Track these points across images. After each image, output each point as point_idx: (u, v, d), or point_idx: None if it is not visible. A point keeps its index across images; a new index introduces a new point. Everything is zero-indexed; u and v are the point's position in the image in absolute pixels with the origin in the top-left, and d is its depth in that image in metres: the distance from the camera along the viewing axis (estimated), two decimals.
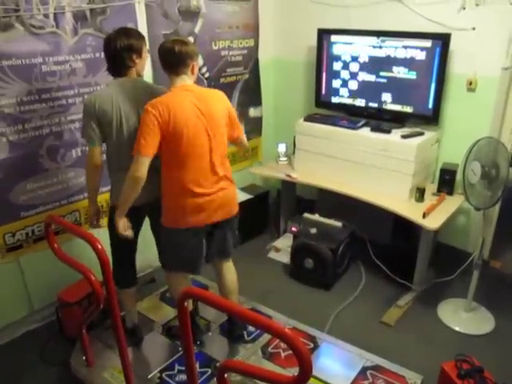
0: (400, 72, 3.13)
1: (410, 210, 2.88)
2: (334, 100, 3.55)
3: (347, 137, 3.20)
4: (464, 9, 2.88)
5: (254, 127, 3.99)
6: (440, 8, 2.96)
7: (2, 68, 2.35)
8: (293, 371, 2.20)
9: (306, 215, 3.48)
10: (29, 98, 2.48)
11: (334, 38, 3.40)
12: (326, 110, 3.62)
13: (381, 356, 2.47)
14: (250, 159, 4.05)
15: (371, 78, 3.28)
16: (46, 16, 2.45)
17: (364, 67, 3.30)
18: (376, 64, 3.23)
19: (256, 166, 3.97)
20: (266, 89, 3.98)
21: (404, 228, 3.23)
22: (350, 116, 3.43)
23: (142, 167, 2.04)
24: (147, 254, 2.62)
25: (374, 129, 3.15)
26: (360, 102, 3.41)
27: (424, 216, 2.77)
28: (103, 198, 2.86)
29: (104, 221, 2.72)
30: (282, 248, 3.60)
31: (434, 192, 3.10)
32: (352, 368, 2.41)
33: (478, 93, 2.98)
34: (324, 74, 3.54)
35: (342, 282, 3.26)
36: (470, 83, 2.97)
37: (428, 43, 2.96)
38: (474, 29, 2.87)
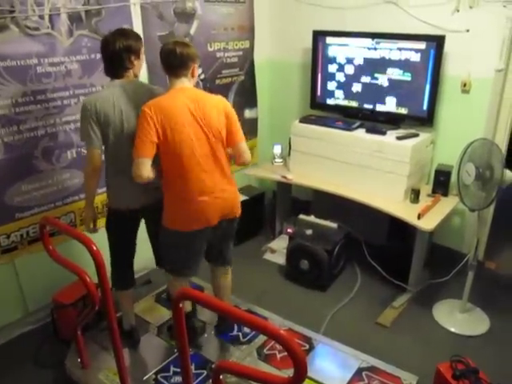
0: (395, 74, 3.15)
1: (405, 211, 2.89)
2: (330, 101, 3.56)
3: (342, 138, 3.21)
4: (458, 11, 2.90)
5: (250, 128, 3.99)
6: (434, 10, 2.98)
7: None
8: (288, 373, 2.20)
9: (302, 216, 3.48)
10: (24, 100, 2.47)
11: (329, 39, 3.41)
12: (321, 111, 3.62)
13: (376, 357, 2.48)
14: None
15: (366, 79, 3.29)
16: (41, 17, 2.45)
17: (359, 69, 3.31)
18: (371, 66, 3.24)
19: (251, 168, 3.97)
20: (261, 90, 3.99)
21: (399, 229, 3.24)
22: (345, 117, 3.44)
23: (142, 167, 2.05)
24: (143, 255, 2.61)
25: (369, 130, 3.16)
26: (355, 104, 3.42)
27: (419, 217, 2.78)
28: (98, 199, 2.86)
29: (101, 221, 2.72)
30: (277, 249, 3.61)
31: (428, 193, 3.11)
32: (347, 369, 2.42)
33: (472, 94, 3.00)
34: (319, 76, 3.55)
35: (338, 283, 3.26)
36: (465, 85, 2.98)
37: (422, 45, 2.97)
38: (467, 31, 2.89)
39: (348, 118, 3.42)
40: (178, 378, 2.35)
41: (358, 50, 3.27)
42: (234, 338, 2.65)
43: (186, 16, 3.19)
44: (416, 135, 3.07)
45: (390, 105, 3.24)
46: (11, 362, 2.57)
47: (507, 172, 2.51)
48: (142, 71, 2.90)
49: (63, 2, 2.51)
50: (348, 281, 3.28)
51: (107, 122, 2.16)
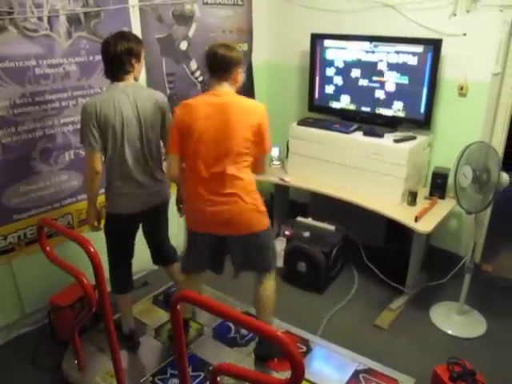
0: (392, 77, 3.16)
1: (403, 214, 2.90)
2: (327, 104, 3.57)
3: (340, 141, 3.22)
4: (455, 15, 2.92)
5: None
6: (432, 14, 2.99)
7: None
8: (286, 375, 2.20)
9: (299, 219, 3.48)
10: (22, 101, 2.47)
11: (326, 42, 3.42)
12: (319, 114, 3.63)
13: (373, 359, 2.48)
14: None
15: (364, 82, 3.31)
16: (40, 19, 2.45)
17: (357, 72, 3.32)
18: (369, 69, 3.26)
19: None
20: (259, 93, 3.99)
21: (396, 231, 3.24)
22: (343, 120, 3.45)
23: (172, 163, 2.18)
24: (140, 257, 2.61)
25: (367, 133, 3.17)
26: (353, 107, 3.44)
27: (416, 220, 2.79)
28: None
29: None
30: None
31: (426, 196, 3.12)
32: (345, 371, 2.42)
33: (469, 98, 3.01)
34: (317, 79, 3.56)
35: (335, 285, 3.27)
36: (461, 88, 3.00)
37: (420, 48, 2.99)
38: (464, 35, 2.91)
39: (346, 120, 3.43)
40: (175, 381, 2.34)
41: (356, 53, 3.28)
42: (232, 340, 2.65)
43: (185, 18, 3.20)
44: (413, 138, 3.09)
45: (387, 108, 3.25)
46: (8, 364, 2.56)
47: (504, 175, 2.52)
48: (140, 75, 2.92)
49: (62, 3, 2.51)
50: (345, 283, 3.29)
51: (107, 125, 2.16)
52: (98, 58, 2.71)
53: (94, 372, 2.41)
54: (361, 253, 3.33)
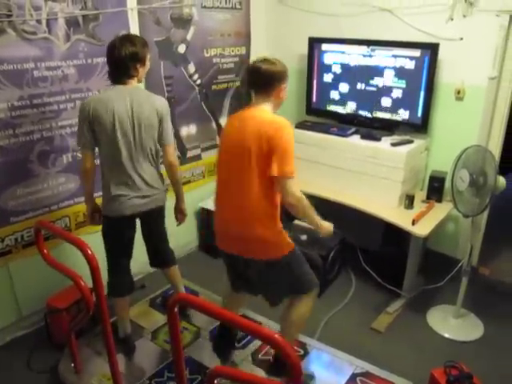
0: (390, 81, 3.17)
1: (400, 217, 2.90)
2: (325, 107, 3.58)
3: (337, 144, 3.23)
4: (452, 19, 2.93)
5: None
6: (429, 18, 3.01)
7: None
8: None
9: (297, 222, 3.48)
10: (20, 103, 2.47)
11: (324, 46, 3.44)
12: (316, 117, 3.64)
13: (371, 362, 2.49)
14: None
15: (361, 86, 3.32)
16: (39, 22, 2.45)
17: (354, 76, 3.34)
18: (366, 73, 3.27)
19: None
20: None
21: (394, 235, 3.25)
22: (341, 123, 3.46)
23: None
24: (137, 260, 2.61)
25: (364, 136, 3.18)
26: (350, 110, 3.45)
27: (413, 223, 2.80)
28: None
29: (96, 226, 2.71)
30: None
31: (423, 199, 3.13)
32: (342, 374, 2.42)
33: (465, 102, 3.03)
34: (315, 82, 3.57)
35: (332, 288, 3.27)
36: (458, 92, 3.01)
37: (417, 53, 3.00)
38: (461, 39, 2.92)
39: (343, 124, 3.44)
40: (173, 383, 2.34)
41: (354, 57, 3.30)
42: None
43: (183, 22, 3.21)
44: (410, 142, 3.10)
45: (384, 111, 3.27)
46: (4, 367, 2.55)
47: (500, 178, 2.53)
48: None
49: (61, 6, 2.51)
50: (342, 286, 3.29)
51: (99, 124, 2.17)
52: (97, 60, 2.74)
53: (91, 375, 2.40)
54: (358, 256, 3.33)
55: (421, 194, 3.20)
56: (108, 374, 2.17)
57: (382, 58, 3.16)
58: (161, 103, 2.29)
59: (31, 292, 2.77)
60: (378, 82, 3.23)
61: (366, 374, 2.42)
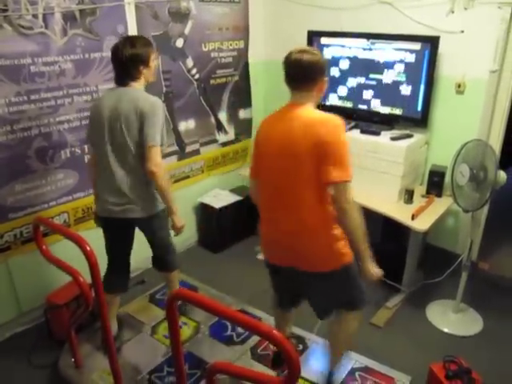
0: (390, 74, 3.15)
1: (399, 212, 2.89)
2: (324, 102, 3.56)
3: None
4: (453, 12, 2.91)
5: (244, 129, 3.99)
6: (429, 11, 2.99)
7: None
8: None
9: None
10: (17, 99, 2.46)
11: (323, 40, 3.41)
12: None
13: (370, 357, 2.49)
14: (240, 161, 4.05)
15: (361, 80, 3.30)
16: (35, 16, 2.43)
17: (354, 69, 3.32)
18: (366, 66, 3.25)
19: (245, 168, 3.96)
20: (255, 90, 3.99)
21: (393, 230, 3.23)
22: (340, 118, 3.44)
23: (251, 187, 2.07)
24: (137, 255, 2.60)
25: (364, 131, 3.17)
26: (350, 104, 3.43)
27: (413, 218, 2.79)
28: (82, 202, 2.86)
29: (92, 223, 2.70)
30: None
31: (422, 194, 3.12)
32: (341, 369, 2.42)
33: (466, 95, 3.01)
34: None
35: None
36: (459, 86, 2.99)
37: (417, 46, 2.98)
38: (462, 32, 2.90)
39: (343, 118, 3.41)
40: (172, 378, 2.35)
41: (353, 51, 3.28)
42: (228, 338, 2.66)
43: (181, 16, 3.19)
44: (410, 136, 3.08)
45: (384, 105, 3.25)
46: (5, 362, 2.56)
47: (501, 173, 2.52)
48: None
49: (57, 1, 2.49)
50: None
51: (91, 125, 2.27)
52: (94, 55, 2.72)
53: (91, 370, 2.41)
54: None
55: (420, 189, 3.18)
56: (108, 369, 2.17)
57: (382, 51, 3.14)
58: (144, 103, 2.11)
59: (31, 288, 2.78)
60: (377, 75, 3.21)
61: (365, 369, 2.43)
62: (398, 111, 3.20)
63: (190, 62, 3.34)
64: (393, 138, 3.03)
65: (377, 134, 3.11)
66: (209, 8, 3.36)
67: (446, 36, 2.91)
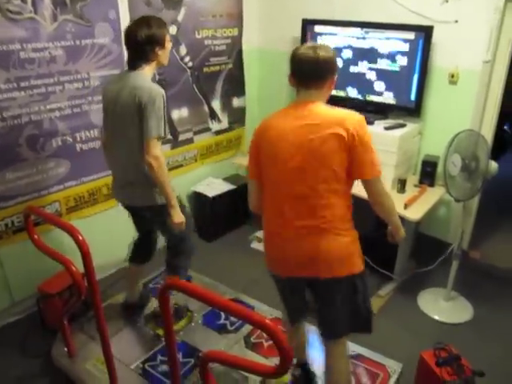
0: (383, 64, 3.14)
1: None
2: None
3: None
4: (447, 2, 2.89)
5: (238, 117, 3.97)
6: (423, 0, 2.97)
7: None
8: (275, 361, 2.22)
9: None
10: (7, 86, 2.42)
11: (317, 28, 3.39)
12: None
13: (362, 345, 2.51)
14: (233, 149, 4.03)
15: (354, 69, 3.29)
16: (24, 1, 2.38)
17: (347, 58, 3.30)
18: (359, 55, 3.23)
19: (239, 157, 3.96)
20: (249, 79, 3.96)
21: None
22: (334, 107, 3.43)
23: (250, 193, 1.93)
24: (126, 246, 2.60)
25: None
26: (343, 94, 3.42)
27: (405, 207, 2.80)
28: (84, 188, 2.84)
29: (91, 209, 2.69)
30: None
31: (415, 183, 3.13)
32: None
33: (459, 86, 3.01)
34: None
35: None
36: (452, 76, 2.99)
37: (411, 35, 2.97)
38: (456, 22, 2.89)
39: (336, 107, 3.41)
40: (166, 367, 2.35)
41: (347, 40, 3.26)
42: (222, 327, 2.67)
43: (174, 2, 3.14)
44: (403, 125, 3.08)
45: (378, 95, 3.24)
46: None
47: (492, 163, 2.54)
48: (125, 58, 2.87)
49: None
50: None
51: (103, 109, 2.27)
52: (85, 42, 2.69)
53: (84, 359, 2.41)
54: None
55: (413, 179, 3.20)
56: (101, 357, 2.17)
57: (375, 40, 3.13)
58: (143, 93, 2.04)
59: (23, 277, 2.76)
60: (371, 64, 3.20)
61: (358, 357, 2.45)
62: (391, 101, 3.20)
63: (183, 50, 3.30)
64: (386, 128, 3.03)
65: (370, 123, 3.11)
66: None
67: (439, 26, 2.90)
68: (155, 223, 2.42)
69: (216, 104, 3.72)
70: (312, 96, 1.75)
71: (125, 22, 2.82)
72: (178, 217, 2.21)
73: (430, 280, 3.13)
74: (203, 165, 3.79)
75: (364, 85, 3.28)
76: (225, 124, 3.86)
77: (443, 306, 2.91)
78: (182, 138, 3.52)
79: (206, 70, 3.54)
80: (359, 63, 3.25)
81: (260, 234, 3.67)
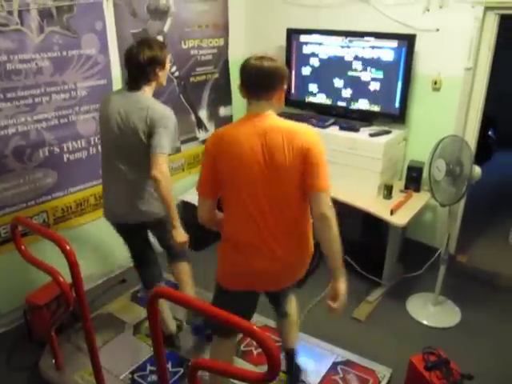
0: (367, 72, 3.19)
1: (378, 207, 2.93)
2: (304, 99, 3.59)
3: None
4: (428, 10, 2.96)
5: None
6: (406, 10, 3.03)
7: None
8: (265, 368, 2.22)
9: None
10: None
11: (303, 37, 3.43)
12: (295, 108, 3.65)
13: (351, 351, 2.52)
14: None
15: (339, 77, 3.33)
16: (10, 13, 2.39)
17: (332, 67, 3.35)
18: (344, 64, 3.28)
19: None
20: (236, 88, 3.97)
21: (373, 225, 3.28)
22: (320, 115, 3.47)
23: (200, 207, 1.90)
24: (118, 254, 2.59)
25: (343, 127, 3.20)
26: (329, 101, 3.46)
27: (392, 213, 2.83)
28: (84, 194, 2.82)
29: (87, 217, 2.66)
30: None
31: (401, 189, 3.17)
32: (323, 363, 2.46)
33: (442, 92, 3.06)
34: (293, 73, 3.57)
35: (313, 278, 3.28)
36: (435, 83, 3.05)
37: (394, 43, 3.02)
38: (437, 30, 2.95)
39: (322, 115, 3.45)
40: (155, 377, 2.34)
41: (332, 48, 3.31)
42: (211, 336, 2.65)
43: (160, 13, 3.17)
44: (388, 132, 3.13)
45: (362, 102, 3.29)
46: None
47: (476, 168, 2.58)
48: (115, 71, 2.87)
49: None
50: (323, 276, 3.30)
51: (102, 128, 2.26)
52: (72, 53, 2.69)
53: (73, 371, 2.39)
54: None
55: (399, 184, 3.23)
56: (90, 369, 2.15)
57: (359, 49, 3.18)
58: (154, 113, 2.10)
59: (10, 289, 2.73)
60: (355, 72, 3.25)
61: (347, 363, 2.46)
62: (376, 108, 3.24)
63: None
64: (371, 135, 3.07)
65: (356, 130, 3.15)
66: (188, 5, 3.34)
67: (422, 34, 2.97)
68: (158, 237, 2.47)
69: (203, 113, 3.74)
70: (263, 108, 1.74)
71: (111, 33, 2.85)
72: (181, 236, 2.27)
73: (418, 285, 3.16)
74: (190, 174, 3.80)
75: (349, 92, 3.32)
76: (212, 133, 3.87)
77: (431, 311, 2.93)
78: None
79: (192, 79, 3.56)
80: (344, 71, 3.30)
81: None
